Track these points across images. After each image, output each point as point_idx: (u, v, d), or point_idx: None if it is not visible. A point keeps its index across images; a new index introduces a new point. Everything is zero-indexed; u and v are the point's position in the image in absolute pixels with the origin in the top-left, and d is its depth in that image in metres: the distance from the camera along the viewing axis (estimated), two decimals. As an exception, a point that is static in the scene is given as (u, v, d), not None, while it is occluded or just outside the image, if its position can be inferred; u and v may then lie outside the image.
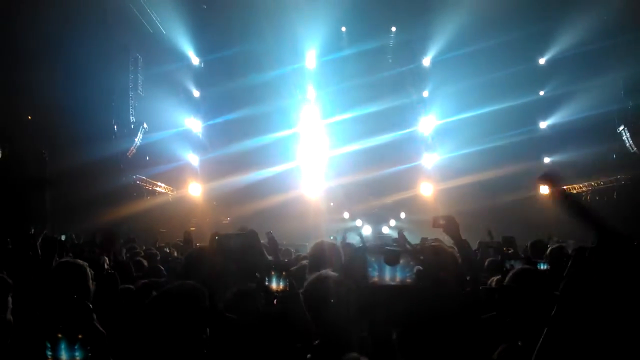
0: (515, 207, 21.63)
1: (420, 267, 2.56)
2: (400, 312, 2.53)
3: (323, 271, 2.81)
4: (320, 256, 3.60)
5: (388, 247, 2.60)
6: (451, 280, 2.91)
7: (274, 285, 2.72)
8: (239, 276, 3.08)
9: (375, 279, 2.51)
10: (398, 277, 2.50)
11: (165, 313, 2.30)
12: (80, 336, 1.99)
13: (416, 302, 2.53)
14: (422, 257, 2.59)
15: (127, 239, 9.21)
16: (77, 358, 1.99)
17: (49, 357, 1.98)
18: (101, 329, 2.71)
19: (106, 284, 3.99)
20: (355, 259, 2.98)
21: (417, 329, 2.48)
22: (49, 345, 1.98)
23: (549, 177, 2.31)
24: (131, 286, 4.28)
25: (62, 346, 1.97)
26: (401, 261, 2.51)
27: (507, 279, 2.89)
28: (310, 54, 23.62)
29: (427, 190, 23.73)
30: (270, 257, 4.63)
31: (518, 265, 3.85)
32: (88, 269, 3.34)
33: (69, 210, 13.35)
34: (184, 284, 2.49)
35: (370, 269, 2.52)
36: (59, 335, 1.98)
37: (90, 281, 3.30)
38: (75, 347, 1.98)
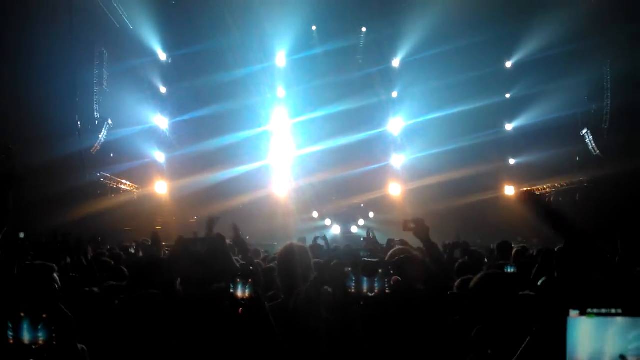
0: (482, 207, 22.00)
1: (399, 278, 2.57)
2: (379, 322, 2.53)
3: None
4: (289, 259, 3.54)
5: (366, 259, 2.59)
6: (424, 288, 2.92)
7: (239, 293, 2.66)
8: (204, 280, 3.01)
9: (352, 290, 2.50)
10: (376, 288, 2.49)
11: (128, 322, 2.23)
12: (44, 316, 1.87)
13: (395, 312, 2.53)
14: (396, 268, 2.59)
15: (91, 238, 8.95)
16: (40, 339, 1.86)
17: (10, 337, 1.86)
18: (67, 311, 2.59)
19: (68, 287, 3.87)
20: (333, 270, 2.97)
21: (395, 339, 2.48)
22: (10, 325, 1.85)
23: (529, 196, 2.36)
24: (95, 289, 4.17)
25: (25, 326, 1.85)
26: (379, 271, 2.51)
27: (471, 284, 2.89)
28: (281, 52, 23.51)
29: (395, 190, 23.90)
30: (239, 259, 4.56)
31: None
32: (55, 272, 3.24)
33: (30, 208, 12.98)
34: (146, 294, 2.41)
35: (348, 281, 2.50)
36: (22, 315, 1.85)
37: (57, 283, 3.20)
38: (39, 327, 1.86)
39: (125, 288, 3.84)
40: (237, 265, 3.41)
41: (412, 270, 2.86)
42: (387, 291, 2.48)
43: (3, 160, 12.91)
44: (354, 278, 2.49)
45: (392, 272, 2.51)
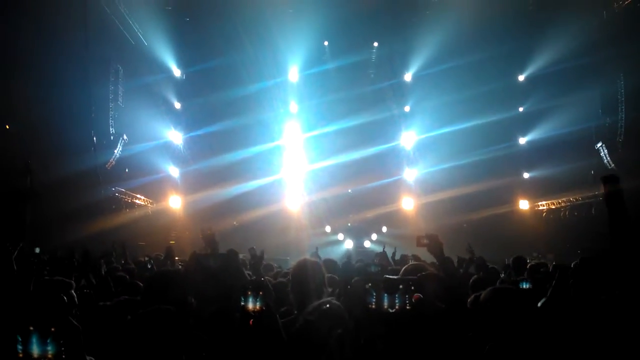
0: (496, 221, 21.84)
1: (421, 295, 2.58)
2: (400, 337, 2.54)
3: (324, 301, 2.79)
4: (303, 274, 3.54)
5: (387, 276, 2.61)
6: (443, 306, 2.93)
7: (250, 305, 2.66)
8: (217, 296, 3.02)
9: (373, 306, 2.51)
10: (396, 305, 2.50)
11: (140, 338, 2.24)
12: (52, 329, 1.89)
13: (416, 328, 2.54)
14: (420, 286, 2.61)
15: (103, 252, 8.97)
16: (50, 353, 1.88)
17: (20, 351, 1.87)
18: (76, 323, 2.61)
19: (83, 302, 3.91)
20: (354, 286, 2.98)
21: (415, 354, 2.48)
22: (19, 338, 1.87)
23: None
24: (108, 303, 4.19)
25: (34, 340, 1.87)
26: (400, 287, 2.52)
27: (481, 298, 2.88)
28: (293, 67, 23.67)
29: (408, 204, 23.82)
30: (250, 273, 4.57)
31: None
32: (72, 288, 3.28)
33: (46, 223, 13.09)
34: (159, 309, 2.42)
35: (369, 297, 2.52)
36: (31, 328, 1.87)
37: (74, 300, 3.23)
38: (48, 340, 1.87)
39: (139, 303, 3.86)
40: (249, 279, 3.42)
41: (432, 287, 2.86)
42: (407, 307, 2.49)
43: (21, 176, 13.04)
44: (374, 294, 2.50)
45: (412, 288, 2.52)
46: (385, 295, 2.48)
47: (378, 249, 16.38)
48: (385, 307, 2.47)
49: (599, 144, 20.45)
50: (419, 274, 2.91)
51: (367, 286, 2.51)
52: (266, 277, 4.98)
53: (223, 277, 3.16)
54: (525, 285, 4.57)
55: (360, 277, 2.98)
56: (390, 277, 2.62)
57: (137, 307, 3.50)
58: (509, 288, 3.16)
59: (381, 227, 23.34)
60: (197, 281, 3.06)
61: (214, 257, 3.34)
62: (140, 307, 3.05)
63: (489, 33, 20.78)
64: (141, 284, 5.34)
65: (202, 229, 3.96)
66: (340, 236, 23.12)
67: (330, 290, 3.64)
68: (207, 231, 3.89)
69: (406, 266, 3.51)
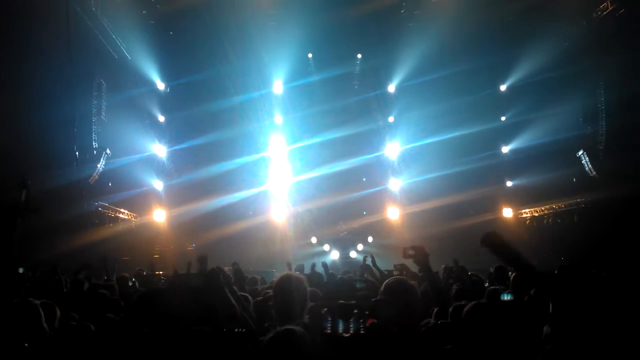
0: (480, 229, 21.90)
1: (374, 320, 2.62)
2: None
3: (287, 328, 2.81)
4: (286, 290, 3.53)
5: (341, 302, 2.64)
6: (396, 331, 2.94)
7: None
8: (199, 316, 3.01)
9: (328, 331, 2.54)
10: (351, 329, 2.54)
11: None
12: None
13: (369, 352, 2.57)
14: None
15: (81, 267, 8.75)
16: None
17: None
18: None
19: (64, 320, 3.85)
20: (311, 312, 3.00)
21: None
22: None
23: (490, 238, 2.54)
24: (90, 325, 4.14)
25: None
26: (354, 312, 2.56)
27: (463, 313, 2.92)
28: (278, 79, 23.73)
29: (393, 214, 23.90)
30: (235, 288, 4.56)
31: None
32: (41, 309, 3.22)
33: (28, 239, 12.91)
34: (138, 332, 2.41)
35: (325, 322, 2.55)
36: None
37: (44, 322, 3.16)
38: None
39: (121, 322, 3.84)
40: (233, 299, 3.39)
41: (385, 312, 2.91)
42: (361, 332, 2.53)
43: (16, 190, 12.84)
44: (330, 319, 2.54)
45: (367, 313, 2.57)
46: (340, 320, 2.52)
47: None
48: (340, 331, 2.51)
49: (580, 152, 20.73)
50: (372, 299, 2.95)
51: (322, 311, 2.55)
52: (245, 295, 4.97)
53: (204, 297, 3.15)
54: (506, 297, 4.59)
55: (317, 303, 3.01)
56: (345, 302, 2.66)
57: (120, 326, 3.47)
58: (489, 304, 3.20)
59: (367, 237, 23.36)
60: (180, 302, 3.04)
61: (195, 276, 3.32)
62: (123, 326, 3.03)
63: (471, 44, 21.04)
64: (122, 303, 5.30)
65: (198, 255, 3.92)
66: (326, 247, 23.08)
67: (312, 304, 3.63)
68: (202, 255, 3.86)
69: (387, 280, 3.53)
